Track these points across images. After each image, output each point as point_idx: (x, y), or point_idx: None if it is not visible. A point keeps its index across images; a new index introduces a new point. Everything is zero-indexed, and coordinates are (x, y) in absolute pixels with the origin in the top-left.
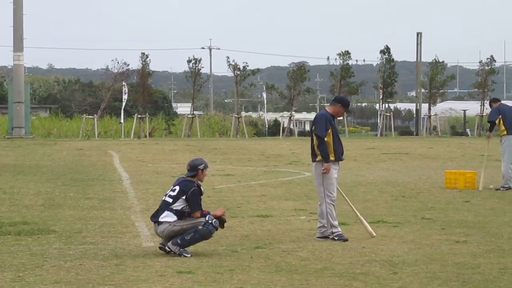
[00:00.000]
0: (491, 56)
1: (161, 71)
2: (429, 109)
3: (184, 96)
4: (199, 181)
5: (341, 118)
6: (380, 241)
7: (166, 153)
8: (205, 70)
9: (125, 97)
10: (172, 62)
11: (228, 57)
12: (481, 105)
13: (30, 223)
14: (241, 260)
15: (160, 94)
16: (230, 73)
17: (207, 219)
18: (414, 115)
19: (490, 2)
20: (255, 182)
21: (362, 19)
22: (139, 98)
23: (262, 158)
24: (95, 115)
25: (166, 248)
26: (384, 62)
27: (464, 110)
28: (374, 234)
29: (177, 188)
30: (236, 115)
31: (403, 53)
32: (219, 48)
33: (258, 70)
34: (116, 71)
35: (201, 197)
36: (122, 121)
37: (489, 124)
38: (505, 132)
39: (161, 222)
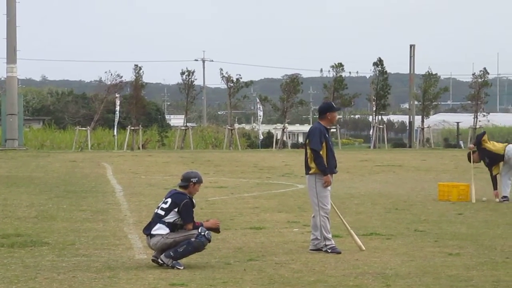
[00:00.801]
0: (484, 68)
1: (155, 83)
2: (422, 121)
3: (177, 108)
4: (190, 194)
5: (334, 130)
6: (373, 254)
7: (159, 165)
8: (198, 82)
9: (117, 109)
10: (166, 74)
11: (221, 69)
12: (474, 118)
13: (23, 235)
14: (234, 272)
15: (153, 106)
16: (223, 85)
17: (199, 231)
18: (407, 127)
19: (483, 14)
20: (248, 194)
21: (355, 32)
22: (132, 110)
23: (255, 170)
24: (88, 127)
25: (159, 260)
26: (377, 74)
27: (457, 122)
28: (364, 248)
29: (169, 200)
30: (230, 127)
31: (396, 65)
32: (212, 60)
33: (251, 82)
34: (109, 83)
35: (194, 209)
36: (115, 133)
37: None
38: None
39: (154, 235)
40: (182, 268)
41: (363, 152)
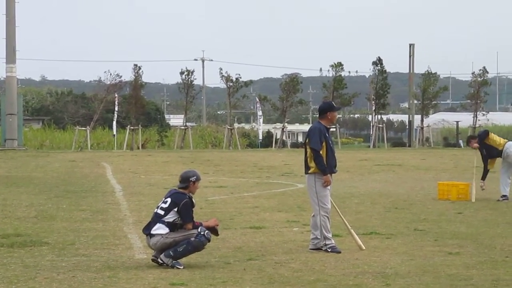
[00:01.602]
0: (484, 67)
1: (154, 82)
2: (422, 120)
3: (177, 108)
4: (190, 193)
5: (333, 129)
6: (373, 253)
7: (159, 164)
8: (197, 81)
9: (116, 108)
10: (165, 73)
11: (221, 69)
12: (473, 117)
13: (23, 235)
14: (234, 272)
15: (153, 106)
16: (223, 85)
17: (199, 230)
18: (407, 127)
19: (482, 13)
20: (247, 194)
21: (354, 31)
22: (132, 109)
23: (255, 169)
24: (87, 126)
25: (159, 260)
26: (377, 74)
27: (457, 122)
28: (364, 248)
29: (169, 200)
30: (229, 127)
31: (395, 65)
32: (212, 60)
33: (251, 81)
34: (108, 82)
35: (193, 209)
36: (114, 133)
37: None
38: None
39: (153, 235)
40: (182, 267)
41: (362, 152)
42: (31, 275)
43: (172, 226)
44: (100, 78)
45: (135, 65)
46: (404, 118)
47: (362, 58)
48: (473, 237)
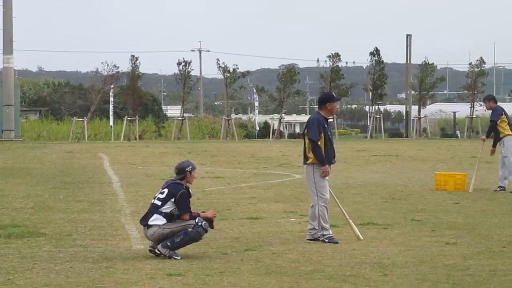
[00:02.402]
0: (481, 58)
1: (151, 73)
2: (419, 111)
3: (174, 99)
4: (187, 184)
5: (331, 120)
6: (370, 243)
7: (156, 155)
8: (195, 72)
9: (111, 99)
10: (162, 64)
11: (218, 60)
12: (470, 107)
13: (20, 226)
14: (231, 262)
15: (150, 97)
16: (220, 76)
17: (197, 221)
18: (404, 117)
19: (480, 4)
20: (245, 185)
21: (351, 21)
22: (129, 100)
23: (252, 160)
24: (85, 117)
25: (156, 250)
26: (374, 64)
27: (454, 112)
28: (361, 238)
29: (166, 190)
30: (226, 118)
31: (392, 55)
32: (209, 51)
33: (248, 72)
34: (106, 73)
35: (190, 199)
36: (111, 124)
37: (482, 125)
38: (510, 132)
39: (151, 225)
40: (179, 258)
41: (360, 142)
42: (28, 266)
43: (169, 217)
44: (97, 69)
45: (132, 56)
46: (401, 108)
47: (359, 48)
48: (470, 228)
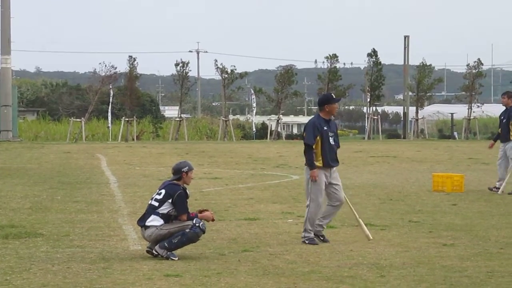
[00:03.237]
0: (479, 59)
1: (149, 74)
2: (417, 112)
3: (172, 99)
4: (185, 184)
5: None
6: (367, 244)
7: (154, 156)
8: (192, 73)
9: (111, 100)
10: (160, 65)
11: (216, 60)
12: (468, 108)
13: (18, 226)
14: (228, 263)
15: (148, 97)
16: (217, 76)
17: (194, 222)
18: (402, 118)
19: (477, 6)
20: (242, 185)
21: (349, 22)
22: (127, 101)
23: (249, 161)
24: (82, 118)
25: (154, 251)
26: (372, 65)
27: (452, 113)
28: (371, 238)
29: (163, 191)
30: (224, 118)
31: (390, 56)
32: (206, 51)
33: (245, 73)
34: (103, 74)
35: (188, 200)
36: (109, 125)
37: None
38: None
39: (148, 226)
40: (176, 259)
41: (357, 143)
42: (25, 266)
43: (166, 218)
44: (95, 69)
45: (130, 56)
46: (399, 109)
47: (357, 49)
48: (467, 229)
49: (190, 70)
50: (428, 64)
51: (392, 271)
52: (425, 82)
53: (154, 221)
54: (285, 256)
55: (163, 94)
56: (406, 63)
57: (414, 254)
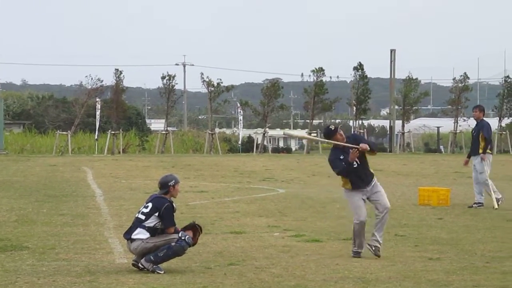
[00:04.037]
0: (465, 73)
1: (135, 87)
2: (403, 125)
3: (158, 112)
4: (172, 197)
5: (315, 134)
6: (353, 258)
7: (140, 169)
8: (179, 86)
9: (98, 113)
10: (146, 78)
11: (202, 74)
12: (454, 122)
13: (3, 239)
14: (214, 276)
15: (134, 110)
16: (204, 90)
17: (180, 235)
18: (388, 132)
19: (463, 20)
20: (228, 199)
21: (335, 36)
22: (113, 114)
23: (235, 174)
24: (68, 131)
25: (139, 265)
26: (358, 79)
27: (438, 127)
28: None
29: (150, 205)
30: (210, 132)
31: (376, 70)
32: (193, 65)
33: (232, 86)
34: (89, 87)
35: (174, 213)
36: (96, 138)
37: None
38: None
39: (134, 239)
40: (162, 272)
41: None
42: (11, 279)
43: (152, 231)
44: (81, 82)
45: (116, 69)
46: (385, 123)
47: (343, 63)
48: (453, 243)
49: (177, 83)
50: (414, 77)
51: (378, 285)
52: (411, 96)
53: (140, 234)
54: (271, 269)
55: (149, 107)
56: (392, 76)
57: (400, 268)
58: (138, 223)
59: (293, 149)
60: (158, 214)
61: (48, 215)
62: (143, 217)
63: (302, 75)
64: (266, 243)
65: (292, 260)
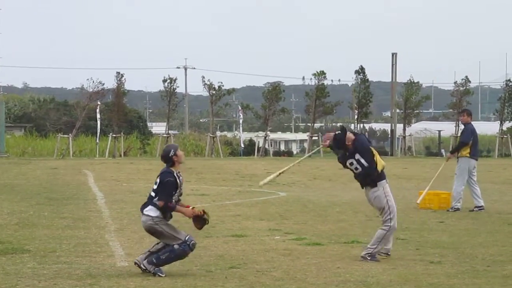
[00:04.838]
0: (466, 77)
1: (136, 90)
2: (404, 129)
3: (159, 116)
4: (180, 164)
5: (316, 138)
6: (354, 262)
7: (141, 172)
8: (180, 89)
9: (98, 116)
10: (148, 81)
11: (203, 77)
12: (456, 126)
13: (4, 243)
14: (215, 280)
15: (135, 113)
16: (205, 93)
17: (185, 239)
18: (389, 136)
19: (464, 23)
20: (229, 202)
21: (337, 40)
22: (114, 117)
23: (237, 177)
24: (70, 134)
25: (142, 266)
26: (359, 82)
27: (439, 131)
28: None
29: (158, 180)
30: (211, 135)
31: (378, 74)
32: (194, 68)
33: (233, 89)
34: (91, 90)
35: (180, 190)
36: (97, 141)
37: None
38: (468, 155)
39: (145, 215)
40: (163, 275)
41: None
42: (12, 282)
43: (163, 209)
44: (83, 85)
45: (118, 72)
46: (387, 127)
47: (345, 67)
48: (454, 247)
49: (178, 87)
50: (415, 81)
51: None
52: (412, 100)
53: (150, 211)
54: (272, 273)
55: (150, 110)
56: (393, 80)
57: (401, 272)
58: (149, 200)
59: (294, 152)
60: None
61: (49, 218)
62: (153, 194)
63: (303, 78)
64: (267, 246)
65: (293, 263)
